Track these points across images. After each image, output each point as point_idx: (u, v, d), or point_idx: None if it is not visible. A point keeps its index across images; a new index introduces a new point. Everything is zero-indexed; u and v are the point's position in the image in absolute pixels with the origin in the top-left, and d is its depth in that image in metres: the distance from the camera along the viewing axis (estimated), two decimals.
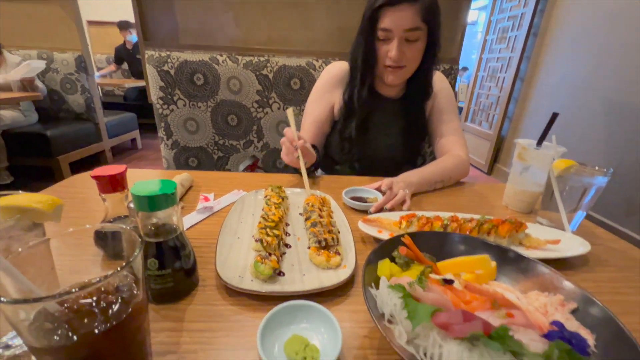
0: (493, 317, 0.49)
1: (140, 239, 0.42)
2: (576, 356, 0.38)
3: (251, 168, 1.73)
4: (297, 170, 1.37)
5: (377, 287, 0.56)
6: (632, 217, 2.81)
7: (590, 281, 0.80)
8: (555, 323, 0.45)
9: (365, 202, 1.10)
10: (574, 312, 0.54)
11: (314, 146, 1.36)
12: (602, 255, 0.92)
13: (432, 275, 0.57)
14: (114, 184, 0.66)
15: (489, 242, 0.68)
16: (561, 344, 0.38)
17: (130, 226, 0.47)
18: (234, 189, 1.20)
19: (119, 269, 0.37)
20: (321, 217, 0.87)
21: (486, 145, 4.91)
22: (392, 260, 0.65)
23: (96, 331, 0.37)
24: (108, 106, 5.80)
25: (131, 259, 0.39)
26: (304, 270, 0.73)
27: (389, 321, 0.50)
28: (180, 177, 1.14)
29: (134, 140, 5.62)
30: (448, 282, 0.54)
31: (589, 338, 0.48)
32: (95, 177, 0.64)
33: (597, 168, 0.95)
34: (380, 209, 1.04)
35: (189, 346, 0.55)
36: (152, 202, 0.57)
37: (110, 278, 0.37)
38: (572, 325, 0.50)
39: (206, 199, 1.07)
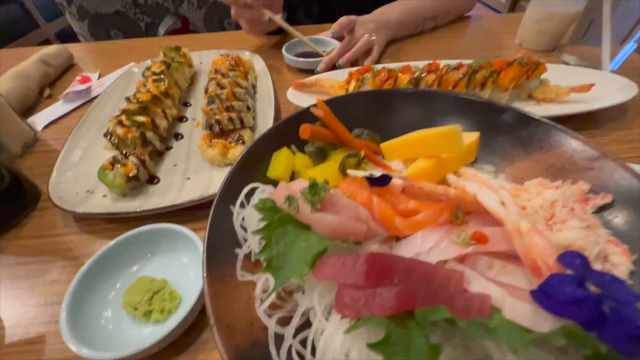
0: (448, 245, 0.25)
1: None
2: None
3: (181, 32, 1.29)
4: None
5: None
6: None
7: (624, 142, 0.54)
8: (566, 258, 0.21)
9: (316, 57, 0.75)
10: (603, 209, 0.30)
11: None
12: None
13: (353, 172, 0.31)
14: None
15: (472, 97, 0.38)
16: (573, 333, 0.15)
17: None
18: (134, 61, 0.85)
19: None
20: (222, 87, 0.56)
21: None
22: (302, 149, 0.39)
23: None
24: None
25: None
26: (191, 172, 0.49)
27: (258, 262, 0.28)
28: (44, 52, 0.78)
29: None
30: (377, 183, 0.29)
31: (624, 262, 0.25)
32: None
33: None
34: (334, 66, 0.71)
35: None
36: None
37: None
38: (598, 239, 0.27)
39: (84, 80, 0.75)
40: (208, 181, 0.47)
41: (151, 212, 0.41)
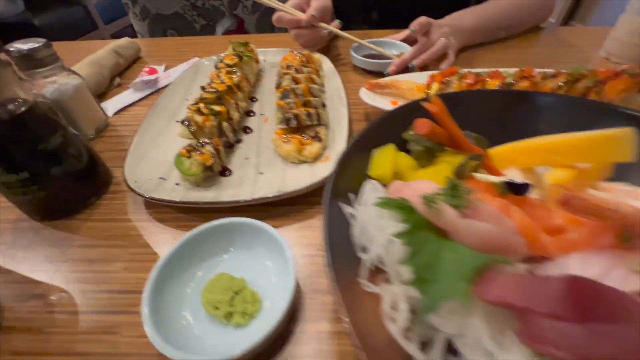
0: (627, 274, 0.20)
1: None
2: None
3: (236, 32, 1.31)
4: None
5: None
6: None
7: None
8: None
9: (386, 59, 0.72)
10: None
11: None
12: None
13: (480, 176, 0.27)
14: None
15: (613, 106, 0.33)
16: None
17: None
18: (196, 56, 0.87)
19: None
20: (297, 82, 0.54)
21: None
22: (404, 148, 0.35)
23: None
24: None
25: None
26: (263, 166, 0.46)
27: (377, 269, 0.24)
28: (117, 44, 0.81)
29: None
30: (519, 190, 0.25)
31: None
32: None
33: None
34: (406, 68, 0.67)
35: (70, 285, 0.35)
36: None
37: None
38: None
39: (151, 72, 0.76)
40: (282, 177, 0.44)
41: (228, 204, 0.39)
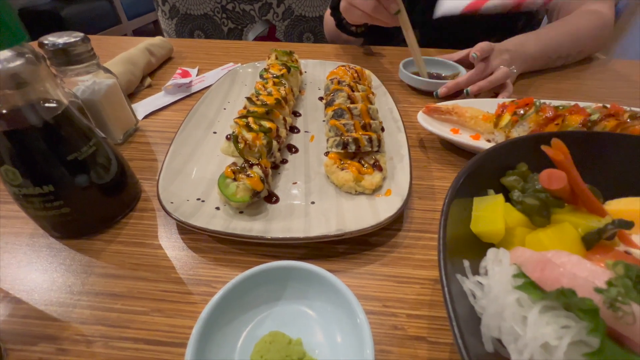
0: None
1: None
2: None
3: (266, 39, 1.28)
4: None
5: (476, 257, 0.22)
6: None
7: None
8: None
9: (439, 79, 0.67)
10: None
11: None
12: None
13: (634, 251, 0.21)
14: None
15: None
16: None
17: None
18: (230, 61, 0.82)
19: None
20: (352, 100, 0.48)
21: None
22: (506, 196, 0.29)
23: None
24: None
25: None
26: (314, 195, 0.41)
27: None
28: (150, 42, 0.77)
29: (156, 22, 5.08)
30: None
31: None
32: None
33: None
34: (459, 92, 0.62)
35: (88, 327, 0.30)
36: None
37: None
38: None
39: (184, 74, 0.72)
40: (337, 210, 0.38)
41: (280, 241, 0.33)
